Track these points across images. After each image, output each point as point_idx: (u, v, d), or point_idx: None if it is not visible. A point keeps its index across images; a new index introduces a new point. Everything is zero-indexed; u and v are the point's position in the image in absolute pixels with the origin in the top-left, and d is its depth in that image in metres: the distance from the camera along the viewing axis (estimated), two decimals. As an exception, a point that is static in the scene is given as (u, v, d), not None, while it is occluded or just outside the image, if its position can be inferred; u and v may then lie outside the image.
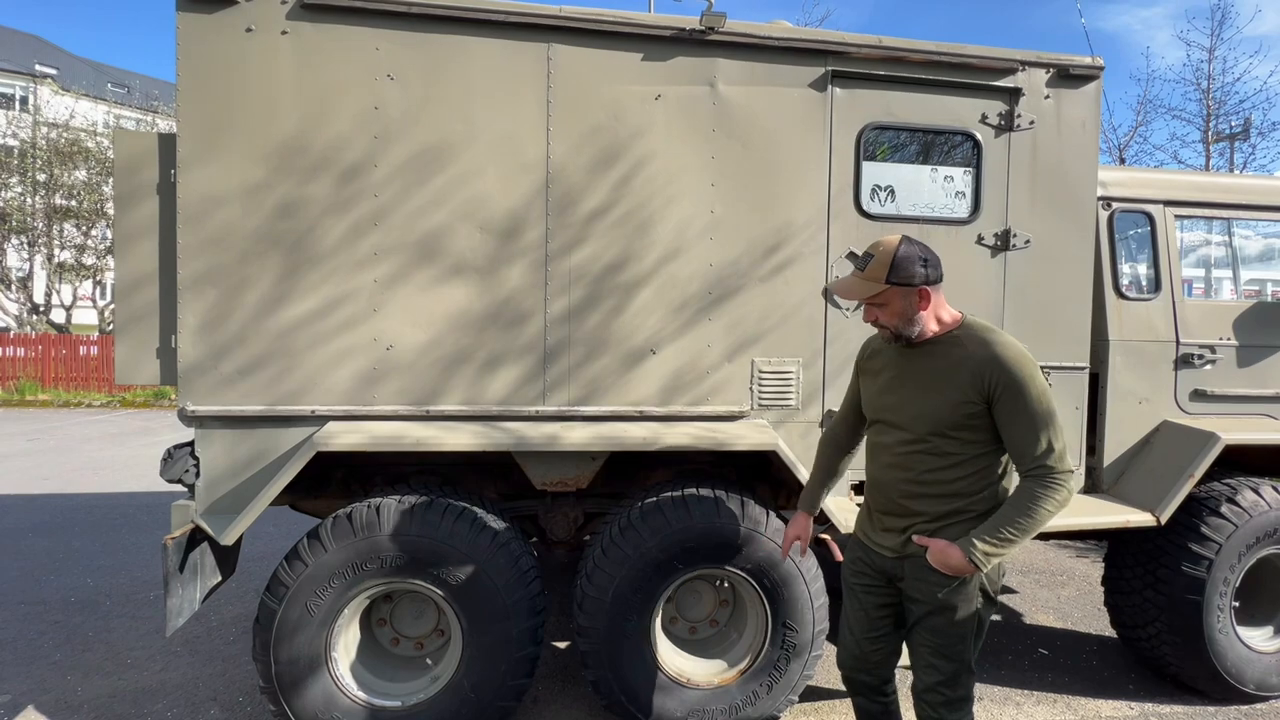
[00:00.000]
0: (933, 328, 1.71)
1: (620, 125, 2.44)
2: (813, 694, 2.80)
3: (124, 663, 3.01)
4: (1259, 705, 2.83)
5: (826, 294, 1.77)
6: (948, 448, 1.66)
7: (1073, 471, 1.60)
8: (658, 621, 2.44)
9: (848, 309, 2.63)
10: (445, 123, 2.34)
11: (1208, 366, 2.96)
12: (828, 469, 2.04)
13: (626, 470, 2.68)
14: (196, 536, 2.29)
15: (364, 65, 2.30)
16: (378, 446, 2.23)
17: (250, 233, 2.27)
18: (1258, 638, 2.89)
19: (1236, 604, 2.79)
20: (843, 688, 2.88)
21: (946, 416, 1.65)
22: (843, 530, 2.43)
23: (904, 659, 2.06)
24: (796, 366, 2.60)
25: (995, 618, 3.69)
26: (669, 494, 2.40)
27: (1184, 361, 2.94)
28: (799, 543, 2.06)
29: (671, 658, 2.48)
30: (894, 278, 1.64)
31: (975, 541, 1.57)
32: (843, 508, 2.54)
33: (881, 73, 2.58)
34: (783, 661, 2.43)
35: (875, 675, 1.90)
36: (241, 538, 2.28)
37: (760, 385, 2.57)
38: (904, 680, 2.11)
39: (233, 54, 2.24)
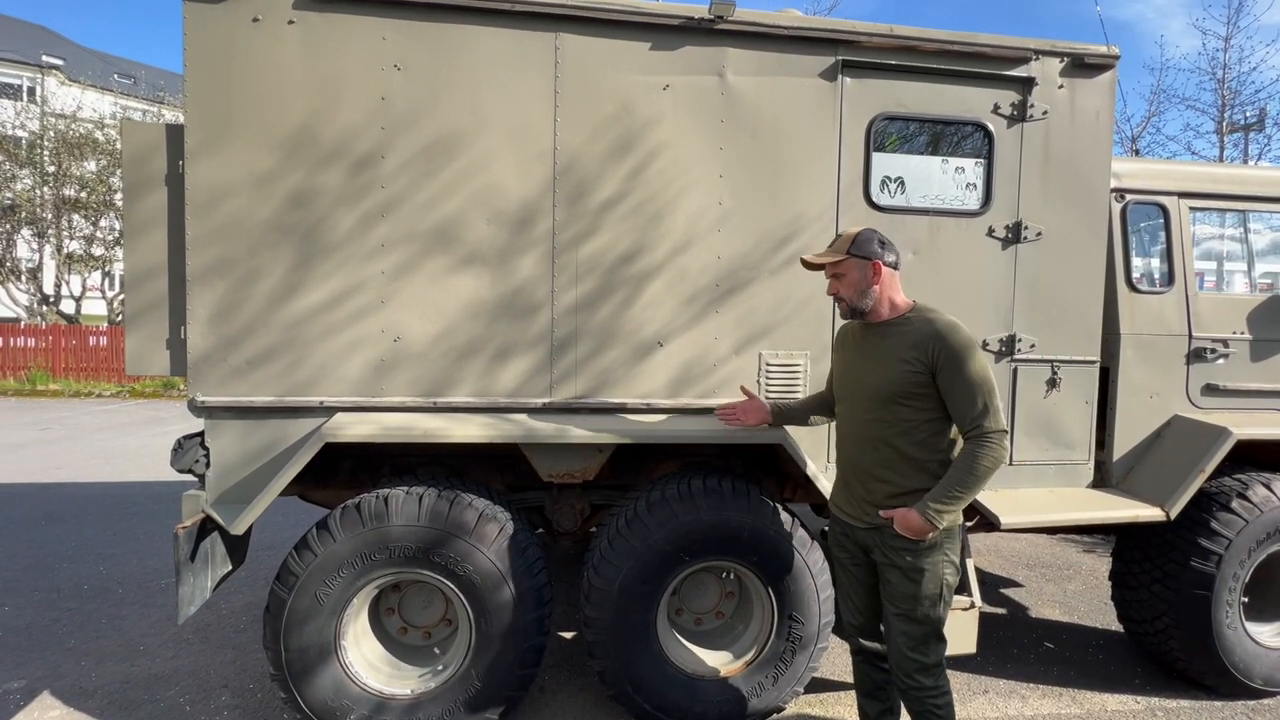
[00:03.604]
0: (885, 310, 1.96)
1: (628, 116, 2.42)
2: (819, 686, 2.81)
3: (136, 649, 3.05)
4: (1266, 700, 2.82)
5: (801, 261, 2.08)
6: (901, 414, 1.88)
7: (1005, 431, 1.83)
8: (664, 613, 2.45)
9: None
10: (453, 113, 2.33)
11: (1220, 361, 2.93)
12: (807, 405, 2.33)
13: (633, 462, 2.68)
14: (207, 526, 2.31)
15: (371, 55, 2.28)
16: (387, 437, 2.24)
17: (259, 224, 2.27)
18: (1266, 633, 2.88)
19: (1245, 599, 2.78)
20: (848, 679, 2.90)
21: (897, 384, 1.87)
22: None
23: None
24: (805, 360, 2.59)
25: (1000, 611, 3.68)
26: (675, 486, 2.40)
27: (1196, 356, 2.91)
28: (737, 415, 2.33)
29: (677, 649, 2.49)
30: (853, 250, 1.93)
31: (930, 504, 1.82)
32: (850, 501, 2.53)
33: (893, 62, 2.55)
34: (788, 654, 2.43)
35: (881, 641, 2.05)
36: (251, 527, 2.30)
37: (768, 378, 2.56)
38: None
39: (240, 44, 2.23)
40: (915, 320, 1.91)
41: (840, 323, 2.59)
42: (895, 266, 1.97)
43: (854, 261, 1.93)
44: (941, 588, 1.89)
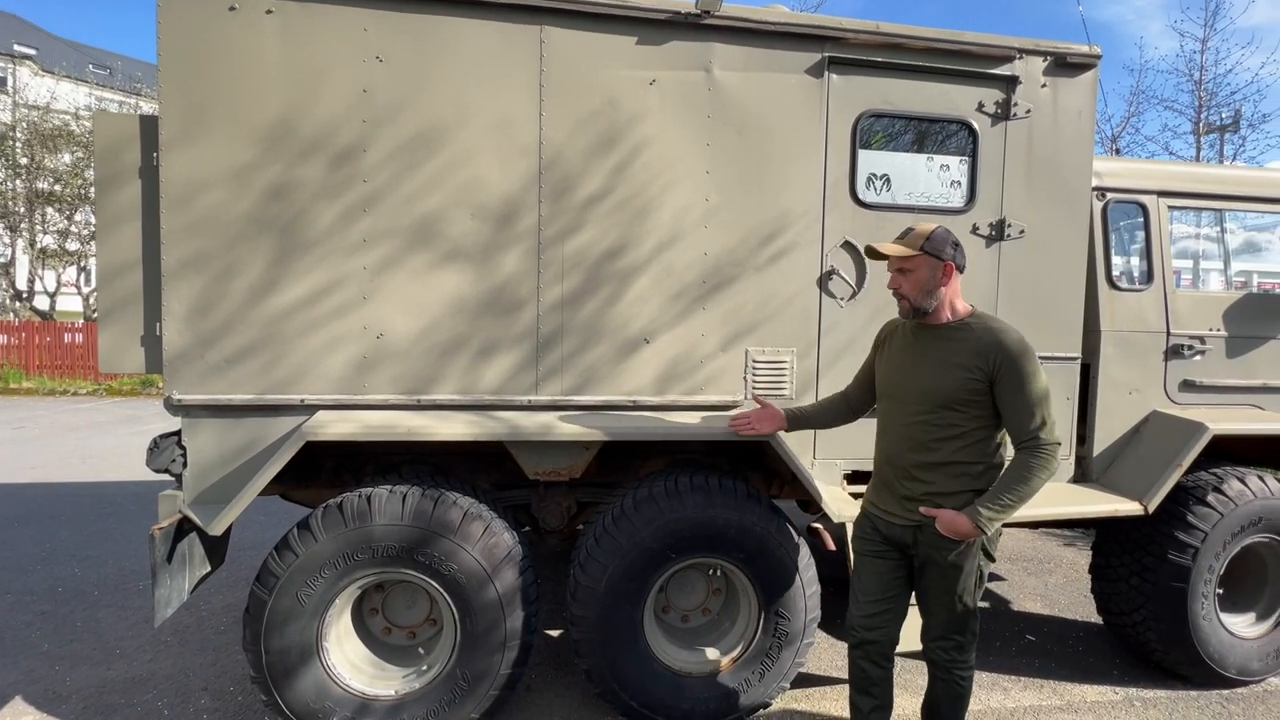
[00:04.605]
0: (946, 314, 1.94)
1: (614, 110, 2.40)
2: (805, 681, 2.82)
3: (113, 653, 2.99)
4: (1240, 689, 2.88)
5: (868, 250, 2.00)
6: (952, 419, 1.88)
7: (1060, 443, 1.85)
8: (650, 610, 2.45)
9: (843, 299, 2.62)
10: (436, 106, 2.30)
11: (1197, 357, 2.98)
12: (824, 408, 2.28)
13: (620, 460, 2.67)
14: (185, 526, 2.26)
15: (352, 46, 2.24)
16: (369, 436, 2.20)
17: (237, 217, 2.22)
18: (1240, 624, 2.94)
19: (1220, 591, 2.83)
20: (834, 674, 2.91)
21: (953, 391, 1.86)
22: (835, 520, 2.44)
23: (904, 646, 2.13)
24: (791, 356, 2.59)
25: (984, 605, 3.73)
26: (662, 484, 2.40)
27: (1174, 352, 2.96)
28: (752, 423, 2.28)
29: (664, 646, 2.49)
30: (928, 247, 1.88)
31: (980, 509, 1.82)
32: (836, 498, 2.55)
33: (879, 59, 2.55)
34: (775, 649, 2.44)
35: (884, 636, 2.05)
36: (231, 528, 2.25)
37: (754, 375, 2.56)
38: (901, 668, 2.14)
39: (216, 34, 2.18)
40: (977, 328, 1.89)
41: (833, 320, 2.60)
42: (963, 270, 1.94)
43: (926, 259, 1.88)
44: (977, 576, 1.94)
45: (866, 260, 2.60)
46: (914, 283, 1.90)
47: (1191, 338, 2.97)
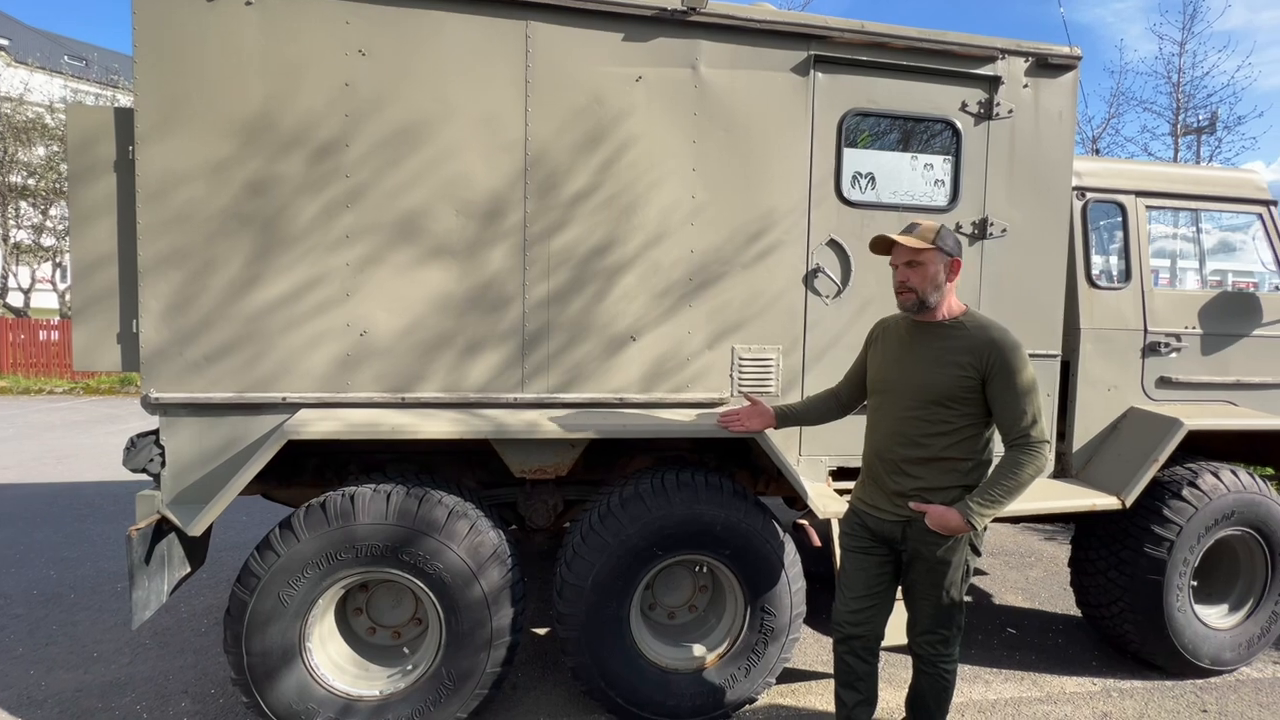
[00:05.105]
0: (944, 310, 1.96)
1: (600, 107, 2.39)
2: (791, 676, 2.84)
3: (90, 656, 2.94)
4: (1213, 679, 2.95)
5: (879, 239, 2.00)
6: (943, 415, 1.90)
7: (1049, 441, 1.85)
8: (637, 607, 2.45)
9: (828, 296, 2.64)
10: (420, 101, 2.27)
11: (1173, 355, 3.04)
12: (813, 406, 2.29)
13: (606, 457, 2.67)
14: (163, 527, 2.22)
15: (334, 39, 2.21)
16: (352, 434, 2.18)
17: (215, 212, 2.18)
18: (1213, 615, 3.01)
19: (1194, 583, 2.90)
20: (819, 669, 2.94)
21: (946, 388, 1.89)
22: (820, 516, 2.46)
23: (889, 640, 2.15)
24: (777, 354, 2.60)
25: (967, 599, 3.77)
26: (649, 481, 2.40)
27: (1151, 350, 3.01)
28: (741, 420, 2.28)
29: (650, 643, 2.49)
30: (939, 242, 1.90)
31: (971, 504, 1.85)
32: (821, 494, 2.57)
33: (864, 58, 2.57)
34: (760, 645, 2.45)
35: (870, 631, 2.07)
36: (211, 528, 2.22)
37: (740, 372, 2.57)
38: (886, 662, 2.17)
39: (194, 25, 2.13)
40: (970, 326, 1.92)
41: (818, 317, 2.62)
42: (960, 268, 1.98)
43: (937, 254, 1.90)
44: (964, 571, 1.97)
45: (851, 258, 2.62)
46: (924, 276, 1.92)
47: (1168, 335, 3.03)
